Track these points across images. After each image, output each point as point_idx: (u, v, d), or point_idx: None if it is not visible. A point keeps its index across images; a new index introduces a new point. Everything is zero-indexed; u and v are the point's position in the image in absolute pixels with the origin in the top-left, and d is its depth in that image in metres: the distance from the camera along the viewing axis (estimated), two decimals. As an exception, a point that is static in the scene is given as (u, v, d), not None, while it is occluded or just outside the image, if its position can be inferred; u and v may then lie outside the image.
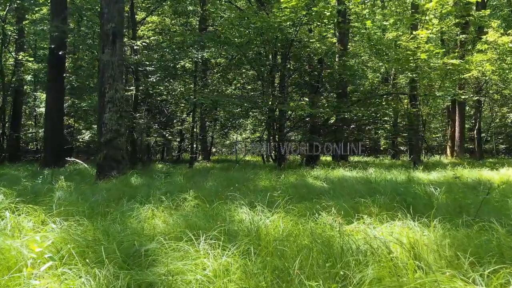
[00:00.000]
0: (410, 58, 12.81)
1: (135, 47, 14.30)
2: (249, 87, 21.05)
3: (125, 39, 15.67)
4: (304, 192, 7.30)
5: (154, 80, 14.13)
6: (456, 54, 12.79)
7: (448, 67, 12.77)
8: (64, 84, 15.26)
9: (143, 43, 14.28)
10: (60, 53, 14.03)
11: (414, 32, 12.40)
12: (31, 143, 23.67)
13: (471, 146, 23.60)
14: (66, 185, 8.01)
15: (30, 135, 23.13)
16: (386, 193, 7.29)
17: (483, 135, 22.46)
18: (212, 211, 5.12)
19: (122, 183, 7.96)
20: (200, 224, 4.44)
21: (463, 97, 12.31)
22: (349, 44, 19.56)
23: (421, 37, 12.18)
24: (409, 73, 12.66)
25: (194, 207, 6.26)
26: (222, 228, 4.04)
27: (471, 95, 12.75)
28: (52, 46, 14.33)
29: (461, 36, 14.90)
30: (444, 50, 13.72)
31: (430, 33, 12.77)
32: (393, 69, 18.40)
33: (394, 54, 13.30)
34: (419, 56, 12.51)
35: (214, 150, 29.86)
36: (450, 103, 22.21)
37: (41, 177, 8.29)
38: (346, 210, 5.45)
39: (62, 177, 8.31)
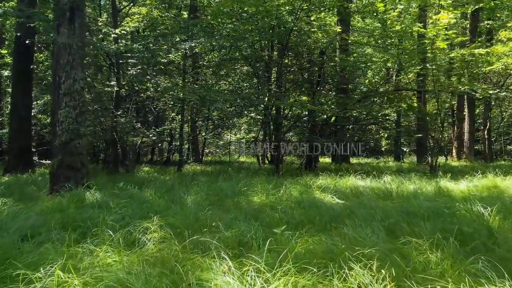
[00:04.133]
0: (428, 48, 10.73)
1: (113, 35, 12.09)
2: (245, 84, 18.93)
3: (105, 29, 13.51)
4: (315, 215, 5.18)
5: (134, 73, 11.90)
6: (479, 43, 10.73)
7: (471, 58, 10.72)
8: (33, 77, 13.04)
9: (123, 31, 12.07)
10: (27, 41, 11.83)
11: (434, 17, 10.31)
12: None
13: (476, 147, 21.57)
14: (-1, 203, 5.86)
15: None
16: (426, 216, 5.21)
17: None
18: (175, 269, 2.98)
19: (73, 199, 5.80)
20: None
21: (491, 92, 10.31)
22: (351, 37, 17.48)
23: (442, 22, 10.09)
24: (427, 65, 10.57)
25: (160, 241, 4.15)
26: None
27: (497, 90, 10.73)
28: (18, 34, 12.13)
29: (485, 23, 12.84)
30: (467, 38, 11.66)
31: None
32: (396, 64, 16.37)
33: (407, 44, 11.23)
34: (438, 45, 10.44)
35: (207, 151, 27.66)
36: (455, 102, 20.18)
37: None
38: (389, 256, 3.34)
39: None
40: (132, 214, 5.04)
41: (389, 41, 15.19)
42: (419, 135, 13.74)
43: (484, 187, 8.18)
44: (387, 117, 17.54)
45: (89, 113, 15.13)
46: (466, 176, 9.48)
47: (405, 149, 22.86)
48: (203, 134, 22.19)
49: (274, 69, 15.13)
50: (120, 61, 13.16)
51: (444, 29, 10.20)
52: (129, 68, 12.28)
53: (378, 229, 4.47)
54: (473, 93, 10.49)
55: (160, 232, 4.26)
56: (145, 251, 3.91)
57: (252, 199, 6.39)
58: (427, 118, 12.17)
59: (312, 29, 12.84)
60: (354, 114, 12.10)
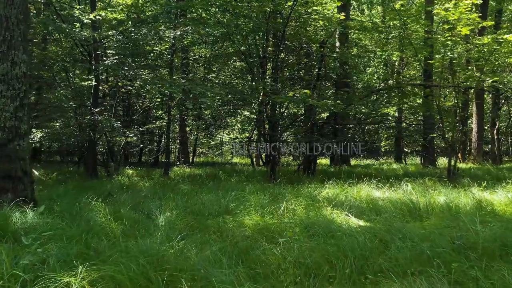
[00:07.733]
0: (447, 34, 9.06)
1: (86, 21, 10.29)
2: (239, 81, 17.20)
3: (79, 14, 11.67)
4: (333, 251, 3.43)
5: (110, 63, 10.08)
6: (505, 30, 9.11)
7: (495, 47, 9.07)
8: None
9: (98, 17, 10.24)
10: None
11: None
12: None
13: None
14: None
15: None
16: (494, 252, 3.52)
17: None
18: None
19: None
20: None
21: (523, 85, 8.75)
22: (352, 33, 15.82)
23: (465, 4, 8.42)
24: (448, 53, 8.90)
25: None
26: None
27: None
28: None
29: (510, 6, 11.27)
30: (493, 23, 9.99)
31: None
32: (400, 58, 14.74)
33: (420, 31, 9.57)
34: (460, 31, 8.77)
35: (200, 151, 25.83)
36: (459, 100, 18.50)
37: None
38: None
39: None
40: (62, 254, 3.26)
41: (392, 34, 13.54)
42: (434, 135, 12.05)
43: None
44: (392, 116, 15.90)
45: (65, 111, 13.36)
46: (487, 181, 7.79)
47: (407, 150, 21.22)
48: (194, 134, 20.39)
49: (269, 64, 13.43)
50: (98, 52, 11.38)
51: (467, 13, 8.52)
52: (104, 58, 10.47)
53: (440, 282, 2.76)
54: (500, 87, 8.86)
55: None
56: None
57: (243, 221, 4.64)
58: (443, 115, 10.48)
59: (312, 16, 11.14)
60: (363, 110, 10.37)
